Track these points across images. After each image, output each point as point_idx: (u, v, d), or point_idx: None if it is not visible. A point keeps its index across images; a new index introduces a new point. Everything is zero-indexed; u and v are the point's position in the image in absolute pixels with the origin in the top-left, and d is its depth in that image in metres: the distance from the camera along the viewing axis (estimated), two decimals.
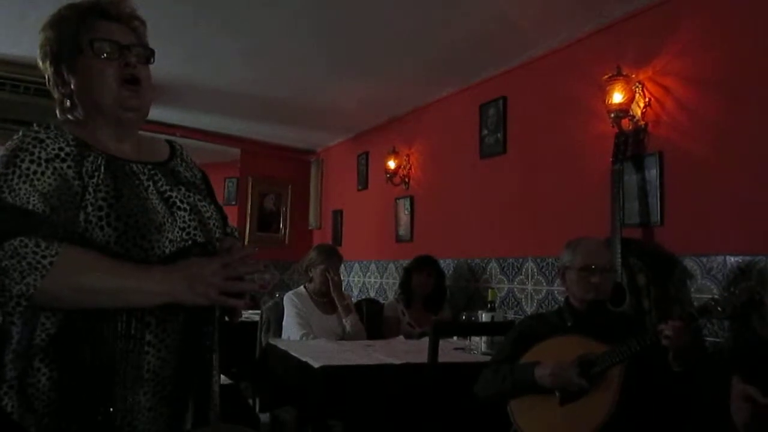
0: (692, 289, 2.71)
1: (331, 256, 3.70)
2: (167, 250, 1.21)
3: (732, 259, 2.58)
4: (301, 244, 6.48)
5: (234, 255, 1.24)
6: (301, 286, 3.73)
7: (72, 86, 1.29)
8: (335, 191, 6.38)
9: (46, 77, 1.33)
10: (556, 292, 3.48)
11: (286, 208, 6.76)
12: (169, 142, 1.46)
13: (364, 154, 5.76)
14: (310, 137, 6.30)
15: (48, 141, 1.20)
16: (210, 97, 4.95)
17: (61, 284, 1.09)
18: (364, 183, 5.75)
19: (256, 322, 3.79)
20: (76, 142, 1.23)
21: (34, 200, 1.13)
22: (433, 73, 4.22)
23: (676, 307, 2.71)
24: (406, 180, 5.04)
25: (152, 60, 1.35)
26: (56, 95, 1.33)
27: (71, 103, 1.30)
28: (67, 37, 1.29)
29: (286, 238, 6.74)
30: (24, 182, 1.14)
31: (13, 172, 1.14)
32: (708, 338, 2.62)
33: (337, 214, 6.21)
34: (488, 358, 2.62)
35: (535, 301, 3.62)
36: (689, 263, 2.74)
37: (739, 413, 1.71)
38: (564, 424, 2.10)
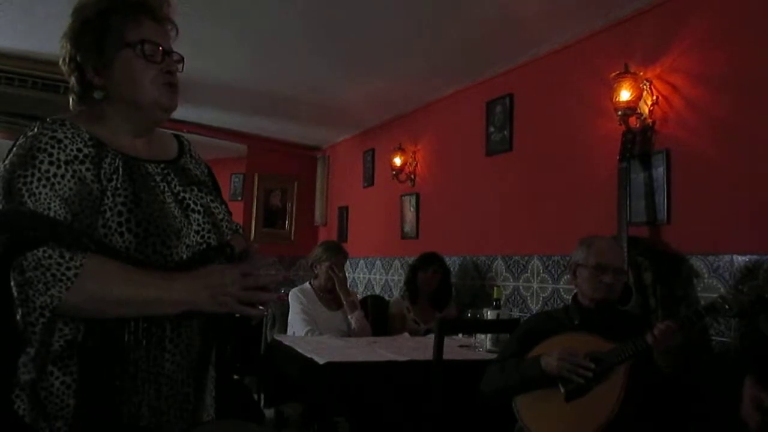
0: (699, 288, 2.70)
1: (337, 252, 3.71)
2: (184, 256, 1.21)
3: (739, 259, 2.56)
4: (306, 240, 6.49)
5: (253, 263, 1.24)
6: (307, 283, 3.73)
7: (104, 77, 1.26)
8: (341, 188, 6.38)
9: (68, 57, 1.28)
10: (561, 290, 3.47)
11: (292, 205, 6.76)
12: (176, 136, 1.45)
13: (370, 151, 5.75)
14: (317, 134, 6.30)
15: (66, 141, 1.17)
16: (217, 93, 4.95)
17: (86, 296, 1.09)
18: (369, 180, 5.75)
19: (261, 318, 3.80)
20: (93, 142, 1.20)
21: (55, 206, 1.11)
22: (439, 70, 4.22)
23: (683, 306, 2.70)
24: (412, 177, 5.03)
25: (182, 68, 1.35)
26: (75, 80, 1.29)
27: (104, 94, 1.27)
28: (113, 28, 1.26)
29: (292, 235, 6.74)
30: (44, 186, 1.12)
31: (32, 175, 1.12)
32: (715, 338, 2.61)
33: (343, 211, 6.21)
34: (493, 355, 2.62)
35: (541, 299, 3.61)
36: (696, 262, 2.73)
37: (750, 419, 1.70)
38: (570, 421, 2.10)
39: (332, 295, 3.63)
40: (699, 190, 2.76)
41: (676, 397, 2.11)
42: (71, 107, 1.31)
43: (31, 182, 1.11)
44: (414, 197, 5.01)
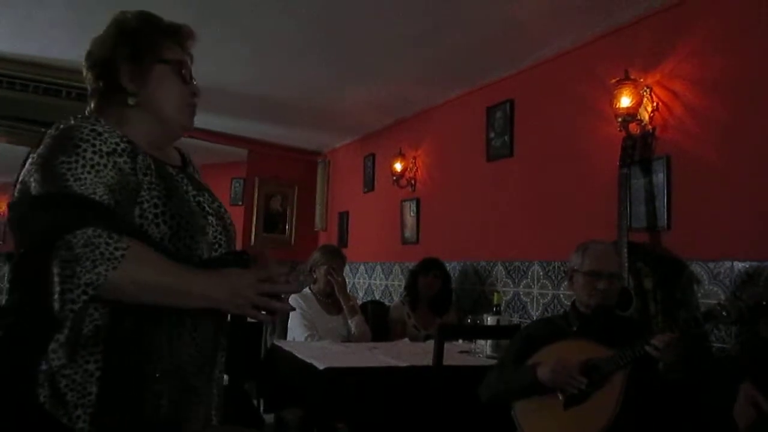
0: (699, 294, 2.70)
1: (334, 256, 3.70)
2: (204, 254, 1.26)
3: (739, 265, 2.56)
4: (307, 245, 6.46)
5: (270, 271, 1.27)
6: (306, 287, 3.73)
7: (138, 85, 1.31)
8: (341, 193, 6.38)
9: (100, 61, 1.32)
10: (561, 296, 3.47)
11: (292, 209, 6.76)
12: (176, 148, 1.50)
13: (371, 156, 5.76)
14: (317, 138, 6.31)
15: (105, 134, 1.21)
16: (218, 97, 4.95)
17: (129, 278, 1.11)
18: (370, 185, 5.75)
19: (261, 323, 3.79)
20: (126, 139, 1.24)
21: (100, 191, 1.14)
22: (440, 75, 4.22)
23: (683, 312, 2.70)
24: (413, 182, 5.04)
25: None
26: (104, 84, 1.32)
27: (136, 101, 1.31)
28: (151, 43, 1.33)
29: (292, 239, 6.74)
30: (89, 172, 1.15)
31: (77, 161, 1.15)
32: (715, 344, 2.61)
33: (343, 216, 6.21)
34: (493, 361, 2.62)
35: (541, 304, 3.61)
36: (696, 268, 2.73)
37: (742, 416, 1.71)
38: (568, 428, 2.10)
39: (332, 299, 3.62)
40: (699, 196, 2.76)
41: (675, 403, 2.11)
42: (87, 112, 1.34)
43: (76, 168, 1.14)
44: (414, 202, 5.01)
